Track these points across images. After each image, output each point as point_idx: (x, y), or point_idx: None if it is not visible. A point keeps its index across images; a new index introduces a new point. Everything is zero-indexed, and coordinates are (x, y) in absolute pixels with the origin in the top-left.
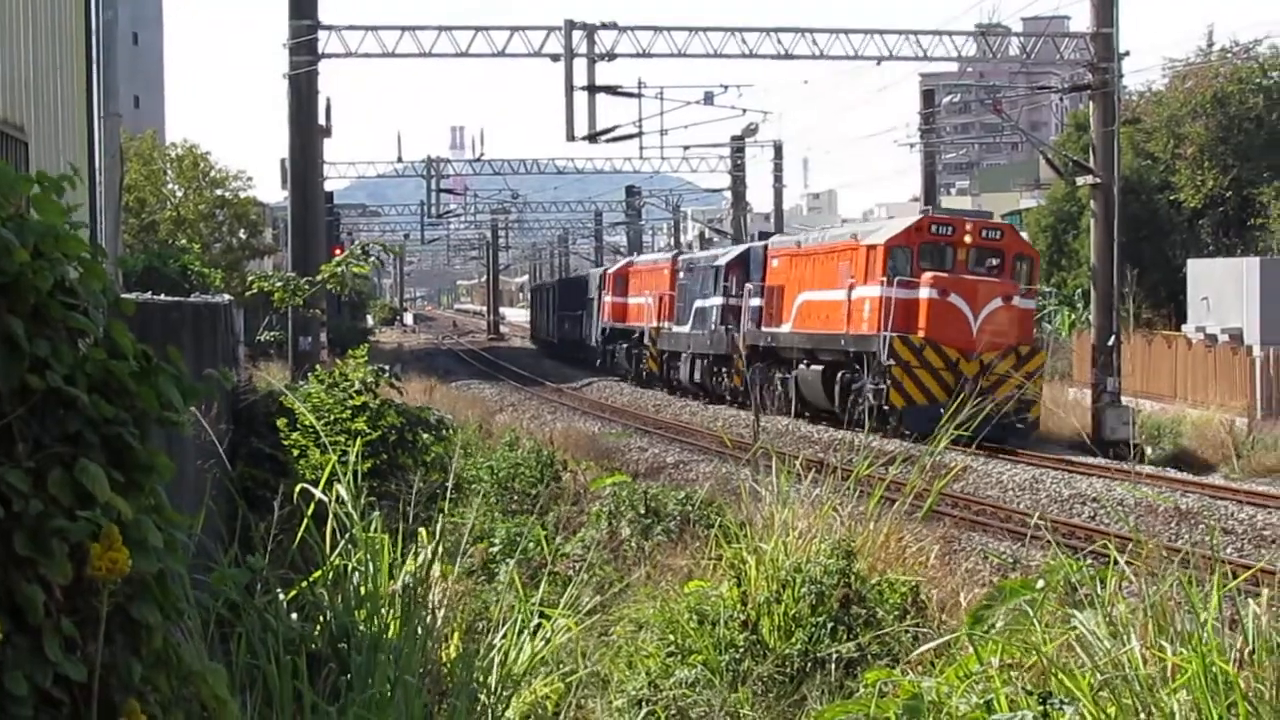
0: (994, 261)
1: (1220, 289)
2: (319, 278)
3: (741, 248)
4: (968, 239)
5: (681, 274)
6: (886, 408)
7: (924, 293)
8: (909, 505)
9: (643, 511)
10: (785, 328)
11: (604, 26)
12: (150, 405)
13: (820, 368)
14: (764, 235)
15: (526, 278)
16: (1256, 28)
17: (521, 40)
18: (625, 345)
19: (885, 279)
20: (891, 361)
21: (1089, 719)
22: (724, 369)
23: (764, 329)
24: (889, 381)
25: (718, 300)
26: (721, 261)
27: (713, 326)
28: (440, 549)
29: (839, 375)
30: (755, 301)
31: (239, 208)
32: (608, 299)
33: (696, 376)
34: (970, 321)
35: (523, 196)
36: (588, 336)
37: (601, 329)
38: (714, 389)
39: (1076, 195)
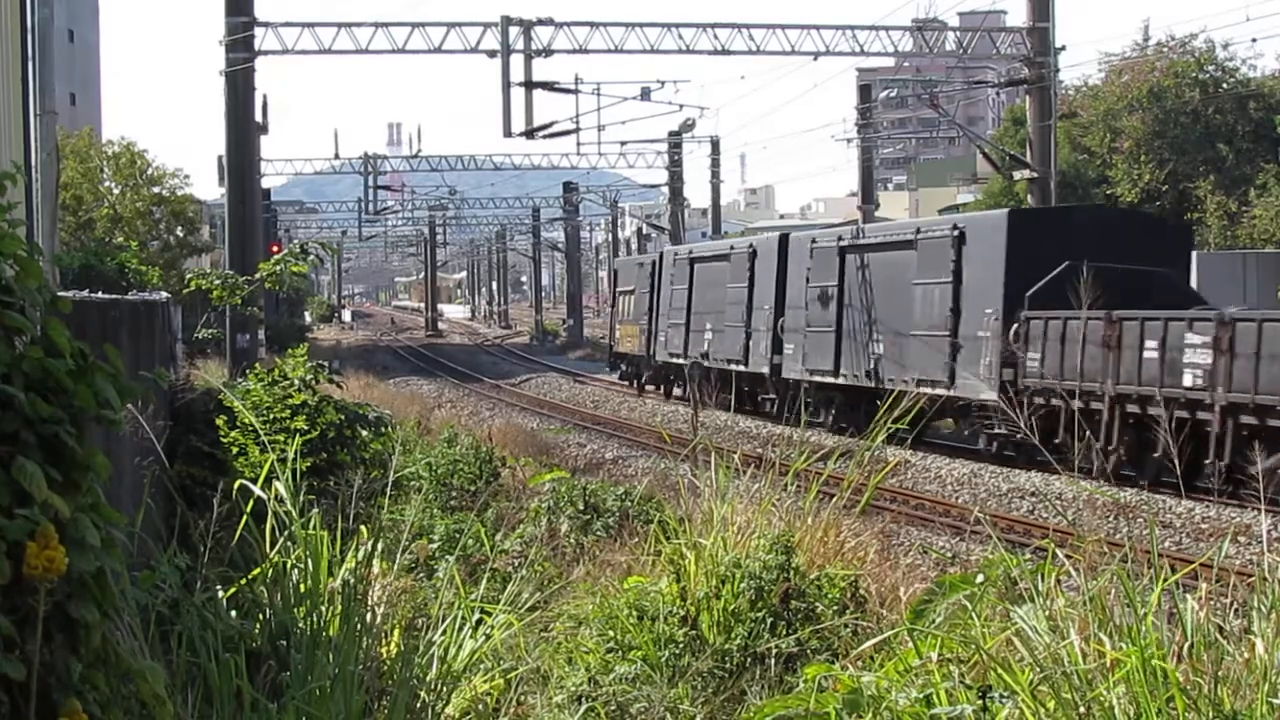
0: None
1: None
2: (257, 276)
3: None
4: None
5: None
6: None
7: None
8: (848, 500)
9: (581, 507)
10: None
11: (541, 22)
12: (87, 404)
13: None
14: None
15: (464, 273)
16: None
17: (458, 36)
18: None
19: None
20: None
21: (1028, 713)
22: None
23: None
24: None
25: None
26: None
27: None
28: (379, 546)
29: None
30: None
31: (176, 205)
32: None
33: None
34: None
35: (460, 193)
36: None
37: None
38: None
39: (1014, 190)
